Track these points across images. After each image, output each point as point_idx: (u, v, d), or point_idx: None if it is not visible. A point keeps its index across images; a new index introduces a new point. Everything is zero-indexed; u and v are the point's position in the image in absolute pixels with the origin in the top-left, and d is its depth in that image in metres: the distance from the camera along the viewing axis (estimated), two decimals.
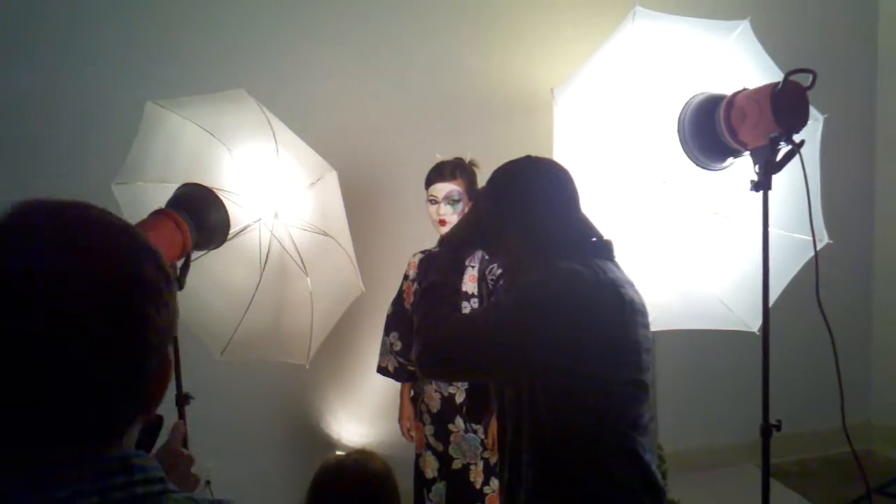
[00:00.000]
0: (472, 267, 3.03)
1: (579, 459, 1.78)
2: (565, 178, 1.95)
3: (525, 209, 1.90)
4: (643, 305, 1.85)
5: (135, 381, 0.90)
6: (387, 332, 3.31)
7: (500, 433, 2.04)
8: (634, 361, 1.79)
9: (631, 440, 1.78)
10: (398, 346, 3.25)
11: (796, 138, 2.16)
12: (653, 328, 2.51)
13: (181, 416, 2.55)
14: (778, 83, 2.13)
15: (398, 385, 3.36)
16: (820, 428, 4.21)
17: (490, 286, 3.00)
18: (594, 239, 1.92)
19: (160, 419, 1.14)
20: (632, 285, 1.86)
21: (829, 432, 4.41)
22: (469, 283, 3.05)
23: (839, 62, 4.30)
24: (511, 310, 1.76)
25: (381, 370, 3.34)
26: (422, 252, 3.25)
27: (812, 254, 2.39)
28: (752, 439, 4.39)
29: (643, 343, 1.81)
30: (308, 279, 2.75)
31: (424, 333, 1.85)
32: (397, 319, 3.28)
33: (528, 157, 1.99)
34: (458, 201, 2.99)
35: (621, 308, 1.77)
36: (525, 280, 1.81)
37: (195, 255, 2.44)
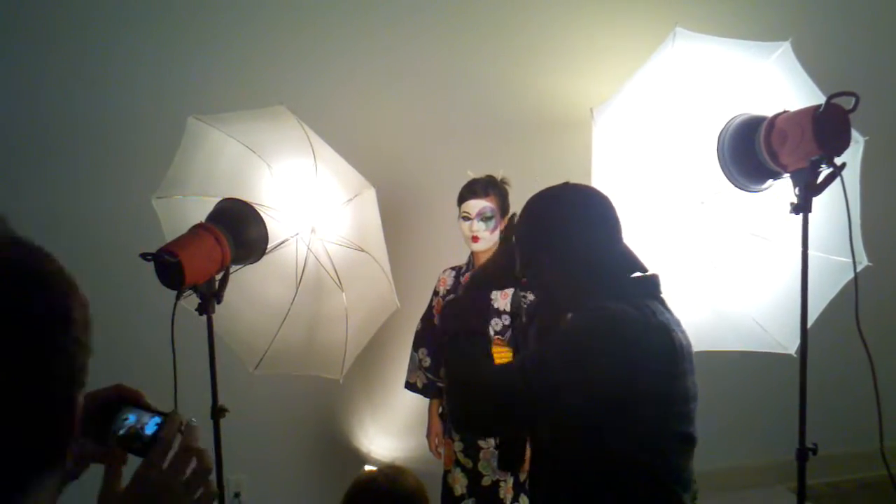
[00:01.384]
0: None
1: None
2: (606, 206, 1.83)
3: (564, 241, 1.77)
4: (690, 348, 1.73)
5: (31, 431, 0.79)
6: (415, 347, 3.32)
7: (533, 474, 1.99)
8: (682, 413, 1.69)
9: (678, 498, 1.70)
10: (427, 362, 3.26)
11: (837, 161, 2.14)
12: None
13: (216, 429, 2.57)
14: (820, 105, 2.11)
15: (427, 400, 3.36)
16: (854, 450, 4.15)
17: (524, 304, 3.00)
18: (639, 273, 1.80)
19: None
20: (680, 327, 1.73)
21: (864, 455, 4.35)
22: (501, 300, 3.05)
23: (882, 83, 4.26)
24: (552, 361, 1.63)
25: (410, 386, 3.35)
26: (451, 268, 3.26)
27: (850, 276, 2.37)
28: (783, 460, 4.37)
29: (691, 391, 1.70)
30: (343, 294, 2.76)
31: (457, 395, 1.74)
32: (426, 335, 3.28)
33: (567, 184, 1.87)
34: (490, 218, 3.00)
35: (672, 356, 1.65)
36: (567, 325, 1.70)
37: (233, 268, 2.46)
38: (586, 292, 1.73)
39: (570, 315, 1.76)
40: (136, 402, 1.14)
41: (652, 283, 1.80)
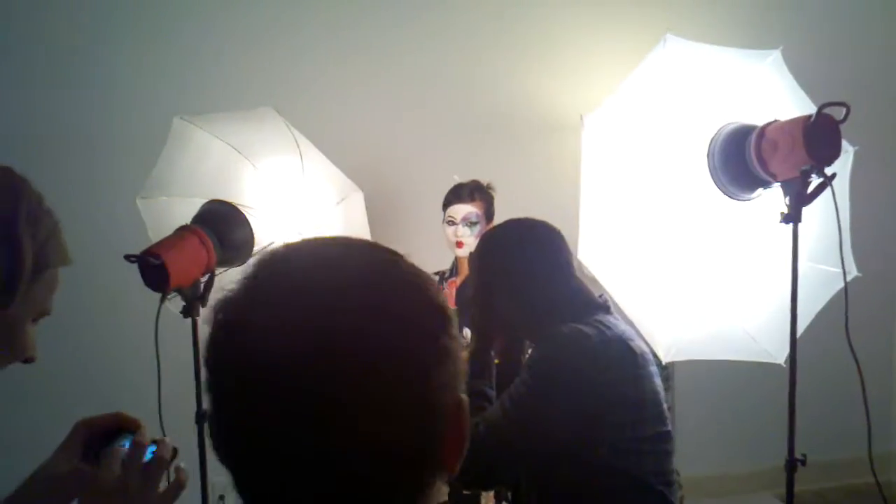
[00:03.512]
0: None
1: None
2: (559, 240, 1.87)
3: (522, 280, 1.80)
4: (650, 354, 1.78)
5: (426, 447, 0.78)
6: None
7: (517, 496, 1.98)
8: (656, 414, 1.73)
9: (664, 498, 1.73)
10: None
11: (828, 171, 2.13)
12: (677, 358, 2.50)
13: (200, 433, 2.54)
14: (811, 115, 2.10)
15: None
16: (839, 458, 4.16)
17: None
18: (598, 298, 1.83)
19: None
20: (636, 336, 1.78)
21: (849, 462, 4.37)
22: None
23: (871, 93, 4.27)
24: (523, 399, 1.66)
25: None
26: (435, 273, 3.24)
27: (839, 286, 2.36)
28: (769, 468, 4.39)
29: (660, 392, 1.75)
30: None
31: None
32: None
33: (516, 222, 1.90)
34: (475, 223, 2.99)
35: (634, 361, 1.70)
36: (528, 361, 1.72)
37: (218, 271, 2.44)
38: (543, 324, 1.76)
39: (529, 351, 1.79)
40: (134, 430, 1.14)
41: (603, 302, 1.85)
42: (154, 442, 1.13)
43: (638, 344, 1.75)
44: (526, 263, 1.81)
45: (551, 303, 1.80)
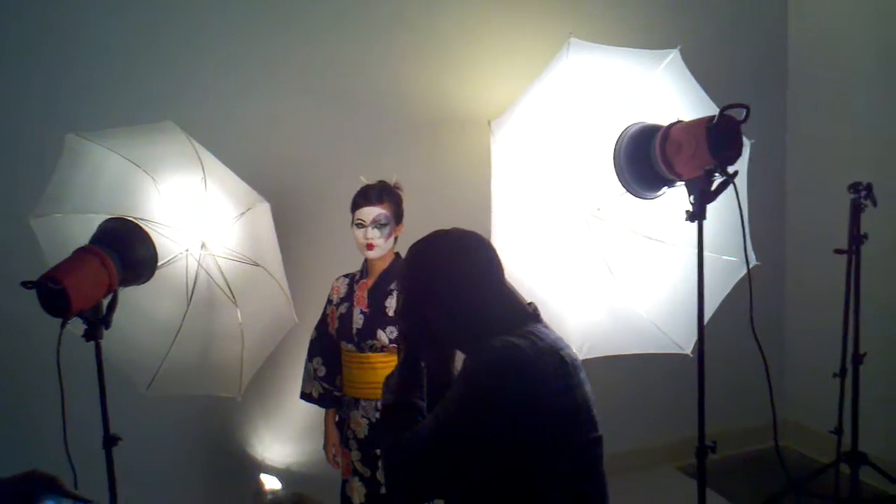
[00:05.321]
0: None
1: None
2: (489, 250, 1.86)
3: (453, 292, 1.79)
4: (579, 361, 1.78)
5: None
6: (310, 357, 3.26)
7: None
8: (588, 419, 1.73)
9: (601, 499, 1.76)
10: (322, 371, 3.20)
11: (730, 170, 2.19)
12: (590, 355, 2.55)
13: (109, 458, 2.44)
14: (714, 117, 2.16)
15: (323, 410, 3.31)
16: (733, 427, 4.37)
17: None
18: (528, 307, 1.84)
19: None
20: (565, 344, 1.78)
21: (743, 431, 4.61)
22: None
23: (750, 91, 4.44)
24: (456, 413, 1.65)
25: (305, 396, 3.28)
26: (345, 276, 3.20)
27: (740, 275, 2.46)
28: (670, 441, 4.56)
29: (590, 398, 1.75)
30: (238, 310, 2.68)
31: (384, 464, 1.78)
32: (321, 344, 3.22)
33: (445, 233, 1.88)
34: (385, 225, 2.96)
35: (566, 371, 1.69)
36: (459, 374, 1.71)
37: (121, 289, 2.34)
38: (475, 336, 1.75)
39: (463, 362, 1.76)
40: (52, 488, 1.08)
41: (532, 310, 1.84)
42: (81, 500, 1.08)
43: (568, 353, 1.74)
44: (456, 276, 1.79)
45: (483, 315, 1.78)
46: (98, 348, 2.33)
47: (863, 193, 3.46)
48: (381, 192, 3.00)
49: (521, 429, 1.62)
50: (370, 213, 2.96)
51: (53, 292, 2.06)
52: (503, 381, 1.63)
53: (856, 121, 4.52)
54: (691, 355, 2.58)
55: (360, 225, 2.97)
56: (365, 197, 2.99)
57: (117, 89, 3.58)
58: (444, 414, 1.67)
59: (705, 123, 2.18)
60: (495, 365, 1.65)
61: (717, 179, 2.23)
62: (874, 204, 3.47)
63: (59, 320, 2.11)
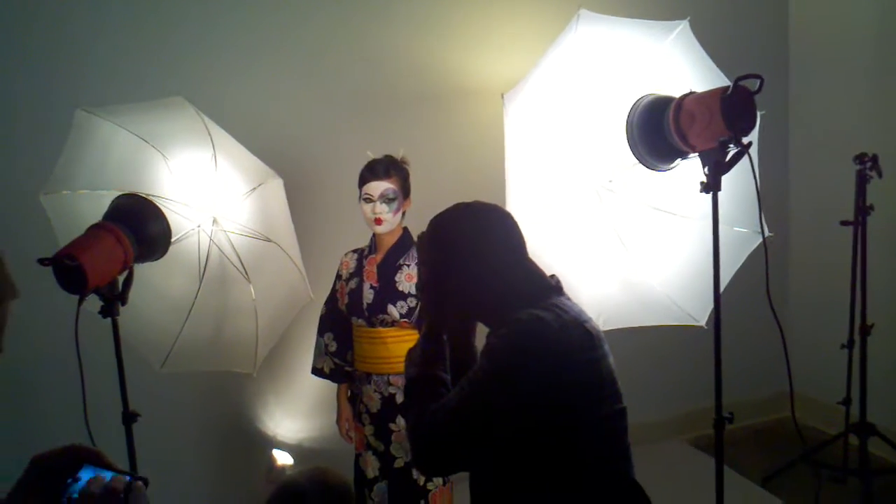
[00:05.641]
0: (408, 266, 3.01)
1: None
2: (511, 223, 1.87)
3: (479, 264, 1.80)
4: (601, 333, 1.80)
5: None
6: (321, 332, 3.25)
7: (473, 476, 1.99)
8: (613, 392, 1.74)
9: (627, 470, 1.77)
10: (333, 346, 3.20)
11: (744, 140, 2.19)
12: (607, 327, 2.56)
13: (129, 434, 2.45)
14: (728, 87, 2.16)
15: (335, 385, 3.32)
16: (739, 399, 4.38)
17: None
18: (550, 280, 1.85)
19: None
20: (588, 317, 1.79)
21: (748, 403, 4.63)
22: (405, 283, 3.02)
23: (753, 62, 4.44)
24: (483, 386, 1.65)
25: (317, 372, 3.28)
26: (353, 251, 3.20)
27: (753, 246, 2.46)
28: (680, 414, 4.58)
29: (614, 370, 1.76)
30: (251, 286, 2.68)
31: (410, 439, 1.76)
32: (332, 320, 3.22)
33: (466, 206, 1.88)
34: (393, 199, 2.95)
35: (591, 344, 1.70)
36: (485, 348, 1.71)
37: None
38: (500, 309, 1.76)
39: (487, 335, 1.76)
40: (95, 461, 1.08)
41: (555, 283, 1.85)
42: (122, 473, 1.09)
43: (592, 325, 1.75)
44: (480, 248, 1.80)
45: (507, 287, 1.79)
46: (115, 325, 2.34)
47: (868, 164, 3.46)
48: (389, 167, 2.98)
49: (548, 402, 1.63)
50: (378, 187, 2.94)
51: (70, 269, 2.07)
52: (530, 353, 1.63)
53: (860, 92, 4.49)
54: (706, 327, 2.59)
55: (368, 200, 2.96)
56: (372, 171, 2.97)
57: (118, 65, 3.56)
58: (471, 387, 1.67)
59: (720, 94, 2.18)
60: (521, 339, 1.66)
61: (732, 150, 2.23)
62: (879, 175, 3.47)
63: (71, 302, 2.12)
